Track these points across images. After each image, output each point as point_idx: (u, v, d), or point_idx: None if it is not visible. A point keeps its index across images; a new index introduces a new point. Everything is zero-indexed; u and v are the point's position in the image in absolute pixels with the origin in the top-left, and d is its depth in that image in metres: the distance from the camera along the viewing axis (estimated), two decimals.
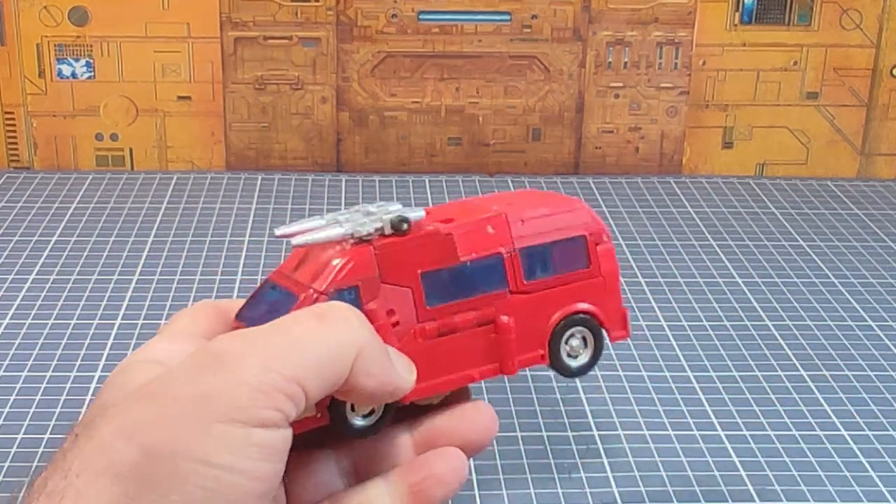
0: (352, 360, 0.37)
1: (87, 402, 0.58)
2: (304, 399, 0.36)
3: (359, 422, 0.41)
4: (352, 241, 0.41)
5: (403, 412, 0.42)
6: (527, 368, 0.45)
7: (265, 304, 0.42)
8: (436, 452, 0.42)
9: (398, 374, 0.40)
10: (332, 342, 0.37)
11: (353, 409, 0.41)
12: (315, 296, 0.40)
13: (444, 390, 0.43)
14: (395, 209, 0.43)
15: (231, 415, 0.35)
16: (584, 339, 0.46)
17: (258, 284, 0.44)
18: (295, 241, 0.41)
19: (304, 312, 0.39)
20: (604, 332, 0.46)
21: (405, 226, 0.42)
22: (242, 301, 0.44)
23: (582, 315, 0.45)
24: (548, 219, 0.45)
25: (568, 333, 0.46)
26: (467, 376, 0.44)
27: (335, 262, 0.41)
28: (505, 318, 0.44)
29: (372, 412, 0.41)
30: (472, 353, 0.44)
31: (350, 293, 0.41)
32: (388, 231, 0.42)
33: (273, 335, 0.37)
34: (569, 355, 0.46)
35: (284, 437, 0.36)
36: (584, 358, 0.46)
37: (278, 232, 0.43)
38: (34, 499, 0.36)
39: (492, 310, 0.44)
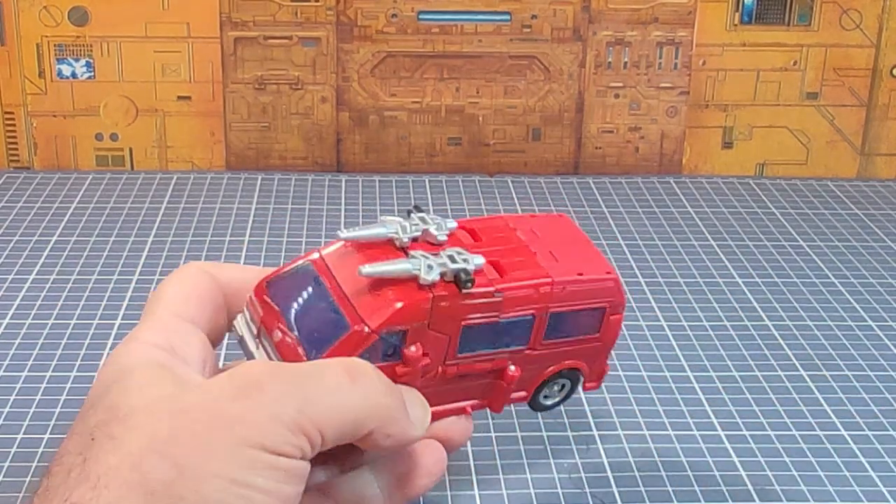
0: (372, 426, 0.40)
1: None
2: (321, 445, 0.38)
3: None
4: (415, 283, 0.42)
5: None
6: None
7: (310, 304, 0.43)
8: (421, 444, 0.44)
9: (412, 429, 0.42)
10: (359, 404, 0.40)
11: None
12: (366, 332, 0.41)
13: (438, 418, 0.45)
14: (451, 227, 0.45)
15: (262, 442, 0.37)
16: (563, 385, 0.49)
17: (292, 260, 0.45)
18: (364, 270, 0.42)
19: (338, 365, 0.40)
20: (580, 383, 0.49)
21: (469, 285, 0.42)
22: (230, 265, 0.47)
23: (571, 369, 0.48)
24: (583, 286, 0.46)
25: (552, 382, 0.48)
26: (461, 408, 0.46)
27: (397, 304, 0.42)
28: (512, 369, 0.46)
29: None
30: (472, 391, 0.46)
31: (397, 336, 0.42)
32: (448, 278, 0.42)
33: (309, 379, 0.39)
34: (545, 396, 0.49)
35: (305, 466, 0.38)
36: (556, 398, 0.49)
37: (342, 235, 0.45)
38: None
39: (504, 362, 0.46)
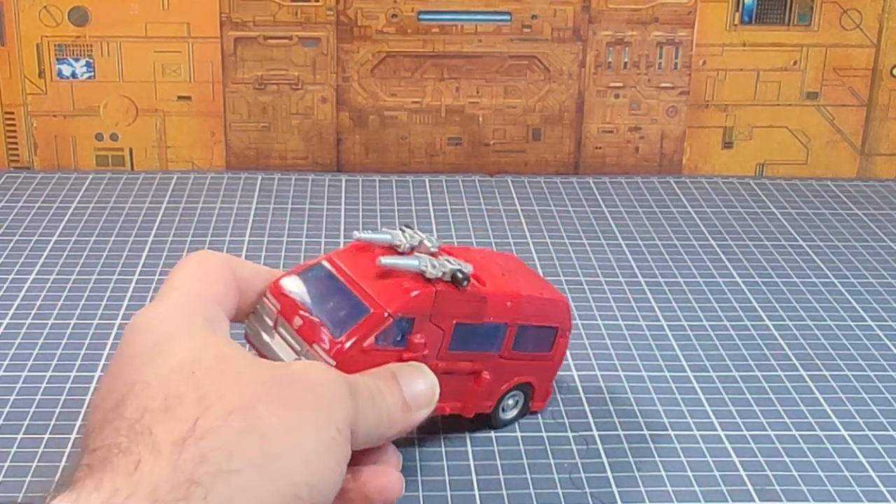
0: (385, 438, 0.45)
1: (86, 403, 0.58)
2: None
3: None
4: (422, 277, 0.48)
5: None
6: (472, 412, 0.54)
7: (328, 294, 0.48)
8: (378, 469, 0.46)
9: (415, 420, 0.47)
10: (384, 422, 0.45)
11: None
12: (385, 315, 0.47)
13: None
14: (454, 261, 0.50)
15: (338, 425, 0.41)
16: (517, 401, 0.56)
17: (308, 262, 0.50)
18: (383, 260, 0.48)
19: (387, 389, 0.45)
20: (529, 400, 0.56)
21: (465, 283, 0.49)
22: (246, 262, 0.49)
23: (525, 384, 0.55)
24: (544, 304, 0.54)
25: (509, 394, 0.55)
26: (441, 408, 0.51)
27: (413, 292, 0.48)
28: (486, 374, 0.53)
29: None
30: (453, 392, 0.51)
31: (407, 322, 0.48)
32: (447, 279, 0.49)
33: (367, 394, 0.44)
34: (503, 409, 0.56)
35: (347, 452, 0.42)
36: (512, 413, 0.56)
37: (357, 235, 0.50)
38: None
39: (481, 365, 0.52)
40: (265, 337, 0.48)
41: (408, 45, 0.90)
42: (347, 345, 0.46)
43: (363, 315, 0.47)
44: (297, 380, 0.42)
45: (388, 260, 0.48)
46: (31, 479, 0.51)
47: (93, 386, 0.59)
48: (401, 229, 0.51)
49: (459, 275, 0.49)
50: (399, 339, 0.48)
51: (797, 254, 0.79)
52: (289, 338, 0.47)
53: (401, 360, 0.48)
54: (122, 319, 0.67)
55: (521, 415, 0.56)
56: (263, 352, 0.48)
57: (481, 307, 0.51)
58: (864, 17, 0.92)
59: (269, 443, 0.38)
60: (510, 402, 0.56)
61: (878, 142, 0.95)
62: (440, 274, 0.48)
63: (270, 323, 0.48)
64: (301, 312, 0.47)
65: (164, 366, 0.40)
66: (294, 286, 0.49)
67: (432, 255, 0.50)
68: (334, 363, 0.45)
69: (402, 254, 0.49)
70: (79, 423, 0.56)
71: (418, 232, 0.51)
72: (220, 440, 0.37)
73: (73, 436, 0.55)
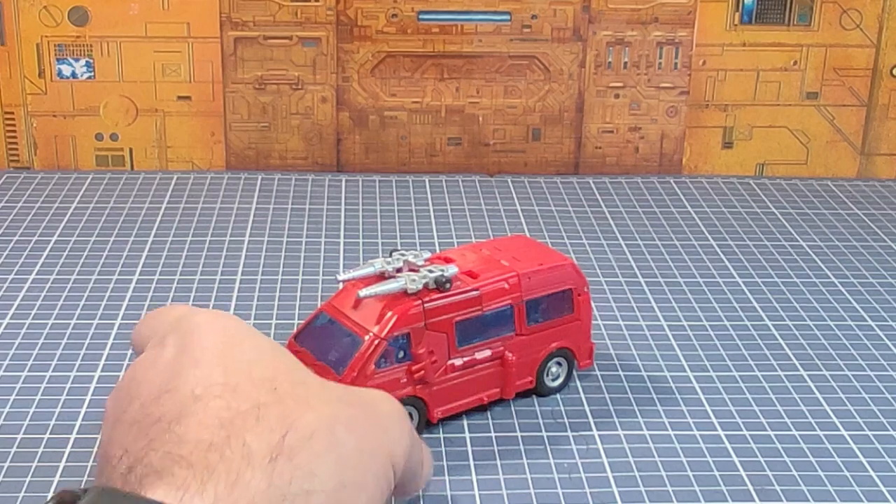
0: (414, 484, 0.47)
1: (86, 402, 0.58)
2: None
3: None
4: (405, 295, 0.53)
5: None
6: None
7: (329, 339, 0.54)
8: None
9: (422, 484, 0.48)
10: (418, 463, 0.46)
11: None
12: (376, 340, 0.52)
13: (463, 409, 0.56)
14: (426, 256, 0.55)
15: (379, 468, 0.41)
16: (559, 363, 0.59)
17: (311, 313, 0.56)
18: (362, 293, 0.53)
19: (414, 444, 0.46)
20: (574, 361, 0.59)
21: (448, 285, 0.54)
22: None
23: (561, 349, 0.58)
24: (545, 274, 0.57)
25: (550, 363, 0.58)
26: (479, 399, 0.56)
27: (388, 314, 0.52)
28: (509, 355, 0.56)
29: None
30: (483, 382, 0.56)
31: (403, 339, 0.53)
32: (431, 286, 0.53)
33: (416, 437, 0.46)
34: (550, 379, 0.59)
35: (392, 485, 0.43)
36: (559, 379, 0.59)
37: (340, 277, 0.55)
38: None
39: (501, 348, 0.56)
40: None
41: (408, 45, 0.90)
42: (351, 378, 0.51)
43: (358, 346, 0.52)
44: (368, 406, 0.43)
45: (366, 291, 0.53)
46: (31, 479, 0.51)
47: (93, 386, 0.59)
48: (390, 252, 0.55)
49: (442, 279, 0.53)
50: (402, 356, 0.53)
51: (797, 254, 0.79)
52: None
53: (411, 373, 0.53)
54: (123, 319, 0.67)
55: (570, 377, 0.59)
56: None
57: (475, 299, 0.54)
58: (863, 17, 0.91)
59: (344, 468, 0.39)
60: (553, 369, 0.59)
61: (878, 142, 0.95)
62: (422, 285, 0.53)
63: None
64: (311, 363, 0.52)
65: (247, 373, 0.40)
66: (303, 340, 0.55)
67: (418, 268, 0.54)
68: None
69: (388, 278, 0.54)
70: (79, 423, 0.56)
71: (403, 252, 0.55)
72: (305, 459, 0.37)
73: (73, 436, 0.55)
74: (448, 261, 0.56)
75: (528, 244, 0.61)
